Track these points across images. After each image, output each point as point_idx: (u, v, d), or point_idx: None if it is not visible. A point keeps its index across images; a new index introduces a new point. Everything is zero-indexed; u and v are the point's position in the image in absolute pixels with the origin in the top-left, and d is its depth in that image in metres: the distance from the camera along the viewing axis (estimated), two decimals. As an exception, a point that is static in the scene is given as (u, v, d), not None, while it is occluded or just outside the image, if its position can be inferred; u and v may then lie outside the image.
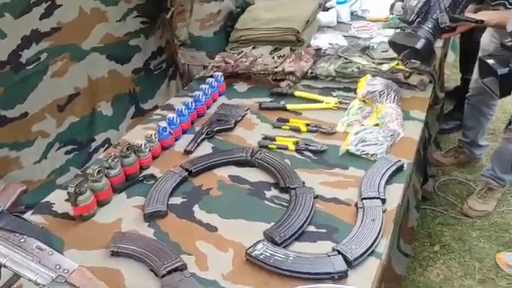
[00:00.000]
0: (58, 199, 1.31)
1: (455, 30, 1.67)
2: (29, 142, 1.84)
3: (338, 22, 2.34)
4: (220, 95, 1.79)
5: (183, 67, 2.30)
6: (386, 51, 1.85)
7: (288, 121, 1.57)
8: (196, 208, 1.25)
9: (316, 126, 1.52)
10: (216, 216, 1.21)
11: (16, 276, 0.85)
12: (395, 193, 1.24)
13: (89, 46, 2.05)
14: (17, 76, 1.74)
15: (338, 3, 2.37)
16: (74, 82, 2.01)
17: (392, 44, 1.66)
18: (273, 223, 1.14)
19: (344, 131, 1.49)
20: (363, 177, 1.26)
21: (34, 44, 1.79)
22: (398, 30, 1.73)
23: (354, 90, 1.67)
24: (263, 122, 1.61)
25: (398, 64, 1.77)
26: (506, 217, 2.30)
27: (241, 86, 1.86)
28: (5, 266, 0.83)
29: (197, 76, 1.96)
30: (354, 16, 2.41)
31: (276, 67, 1.82)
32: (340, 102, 1.63)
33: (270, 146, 1.46)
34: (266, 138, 1.50)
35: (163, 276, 1.01)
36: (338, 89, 1.76)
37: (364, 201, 1.17)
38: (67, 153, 2.01)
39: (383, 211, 1.14)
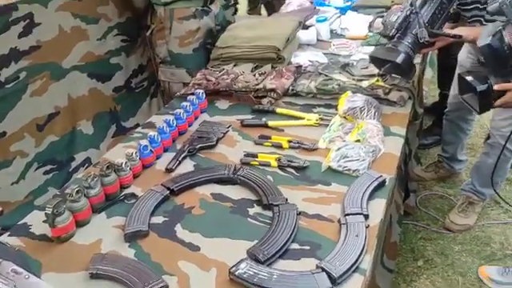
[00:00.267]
0: (35, 221, 1.28)
1: (434, 45, 1.71)
2: (7, 161, 1.81)
3: (318, 40, 2.37)
4: (201, 112, 1.78)
5: (164, 84, 2.30)
6: (366, 68, 1.88)
7: (270, 137, 1.58)
8: (178, 227, 1.23)
9: (298, 143, 1.52)
10: (198, 235, 1.19)
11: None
12: (378, 208, 1.24)
13: (69, 64, 2.04)
14: (-5, 95, 1.72)
15: (318, 21, 2.41)
16: (54, 100, 1.99)
17: (373, 59, 1.69)
18: (256, 241, 1.13)
19: (326, 147, 1.50)
20: (346, 193, 1.27)
21: (12, 63, 1.78)
22: (379, 46, 1.77)
23: (335, 107, 1.69)
24: (245, 139, 1.61)
25: (377, 80, 1.79)
26: (486, 230, 2.33)
27: (222, 104, 1.86)
28: (-22, 291, 0.80)
29: (178, 94, 1.96)
30: (333, 34, 2.45)
31: (257, 84, 1.83)
32: (321, 119, 1.64)
33: (252, 162, 1.46)
34: (248, 154, 1.50)
35: (144, 298, 0.99)
36: (319, 105, 1.77)
37: (347, 217, 1.17)
38: (46, 173, 1.97)
39: (366, 227, 1.14)
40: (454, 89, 2.36)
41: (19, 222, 1.29)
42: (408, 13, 1.57)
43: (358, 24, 2.42)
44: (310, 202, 1.27)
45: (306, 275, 1.01)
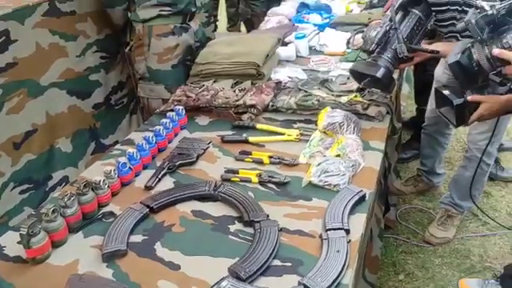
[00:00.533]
0: (9, 242, 1.24)
1: (412, 60, 1.74)
2: (-19, 181, 1.76)
3: (297, 56, 2.39)
4: (181, 129, 1.77)
5: (143, 101, 2.29)
6: (345, 84, 1.90)
7: (251, 153, 1.57)
8: (158, 246, 1.21)
9: (279, 158, 1.52)
10: (179, 253, 1.17)
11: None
12: (359, 223, 1.24)
13: (47, 81, 2.01)
14: (-29, 113, 1.69)
15: (297, 38, 2.44)
16: (31, 118, 1.96)
17: (353, 73, 1.71)
18: (237, 258, 1.11)
19: (306, 162, 1.50)
20: (327, 208, 1.27)
21: (-12, 80, 1.75)
22: (359, 60, 1.79)
23: (315, 122, 1.70)
24: (226, 155, 1.60)
25: (356, 96, 1.81)
26: (466, 243, 2.35)
27: (202, 120, 1.85)
28: None
29: (158, 110, 1.94)
30: (312, 50, 2.47)
31: (237, 100, 1.83)
32: (301, 134, 1.65)
33: (232, 179, 1.45)
34: (228, 171, 1.49)
35: (123, 319, 0.96)
36: (299, 121, 1.78)
37: (328, 232, 1.17)
38: (22, 192, 1.93)
39: (348, 242, 1.14)
40: (431, 103, 2.40)
41: (-8, 244, 1.25)
42: (387, 28, 1.60)
43: (336, 40, 2.46)
44: (292, 217, 1.27)
45: (288, 292, 1.00)
